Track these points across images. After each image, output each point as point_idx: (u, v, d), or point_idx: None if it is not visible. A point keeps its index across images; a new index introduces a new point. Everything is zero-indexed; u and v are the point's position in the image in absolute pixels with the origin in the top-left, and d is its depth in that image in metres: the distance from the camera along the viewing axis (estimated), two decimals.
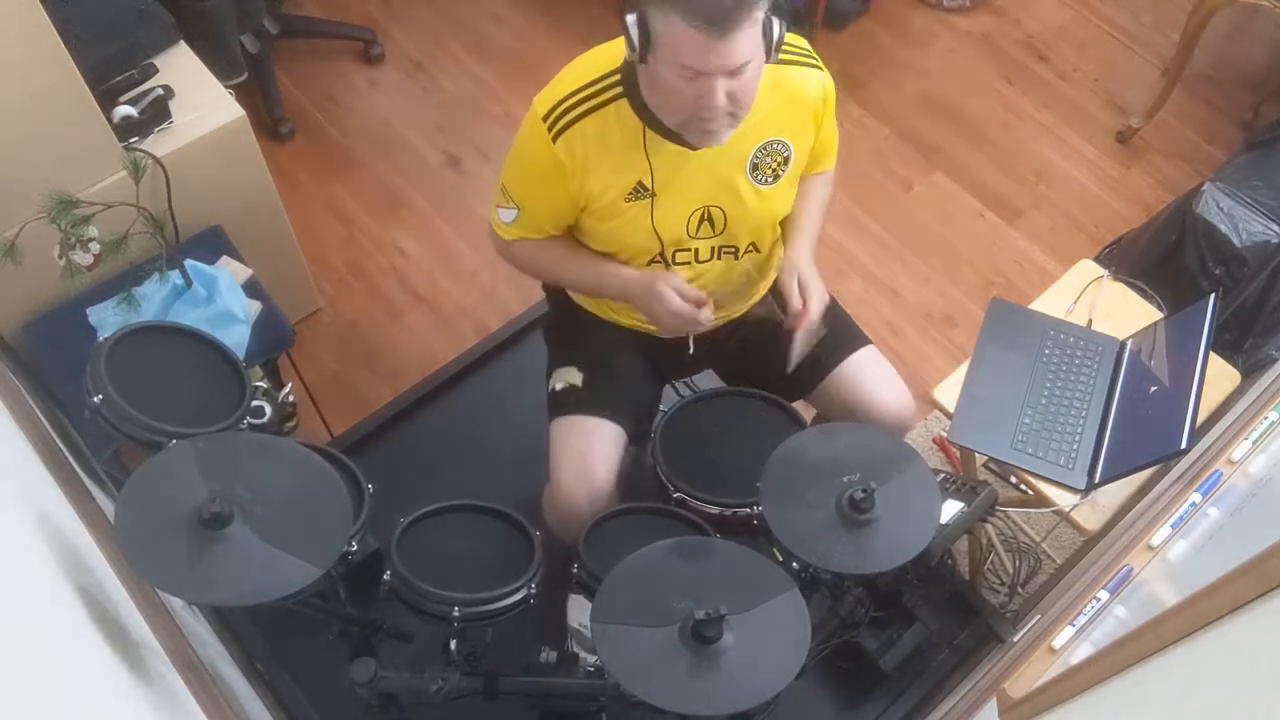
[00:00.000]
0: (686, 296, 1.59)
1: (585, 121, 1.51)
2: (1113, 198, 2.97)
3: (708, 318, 1.60)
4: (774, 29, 1.40)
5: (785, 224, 1.76)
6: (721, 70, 1.36)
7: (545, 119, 1.52)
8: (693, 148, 1.53)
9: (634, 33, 1.38)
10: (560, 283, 1.85)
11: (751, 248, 1.70)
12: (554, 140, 1.51)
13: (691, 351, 1.71)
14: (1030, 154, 3.05)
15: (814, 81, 1.60)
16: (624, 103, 1.51)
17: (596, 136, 1.51)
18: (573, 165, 1.53)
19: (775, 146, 1.59)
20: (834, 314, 1.85)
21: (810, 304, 1.64)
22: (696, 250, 1.66)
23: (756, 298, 1.82)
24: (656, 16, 1.35)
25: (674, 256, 1.66)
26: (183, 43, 2.10)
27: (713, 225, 1.63)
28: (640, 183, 1.56)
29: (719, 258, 1.69)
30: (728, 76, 1.38)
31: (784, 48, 1.53)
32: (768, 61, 1.44)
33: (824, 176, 1.80)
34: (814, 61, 1.61)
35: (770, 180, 1.62)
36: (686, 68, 1.36)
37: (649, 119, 1.50)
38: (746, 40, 1.35)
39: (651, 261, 1.66)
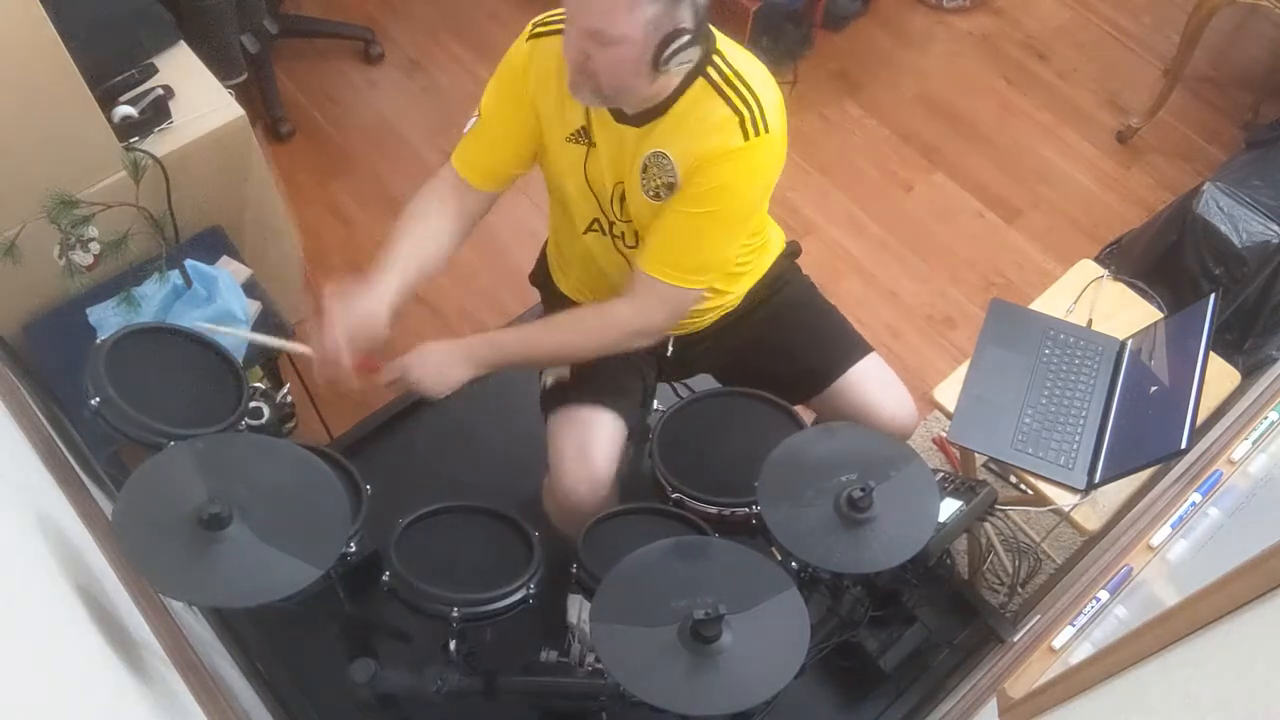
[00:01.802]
0: (338, 341, 1.40)
1: (557, 39, 1.46)
2: (1113, 198, 2.97)
3: (338, 377, 1.44)
4: (675, 35, 1.33)
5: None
6: (576, 19, 1.34)
7: (534, 24, 1.54)
8: (622, 120, 1.49)
9: None
10: (389, 235, 1.61)
11: None
12: (527, 39, 1.53)
13: (669, 353, 1.70)
14: (1030, 154, 3.05)
15: (731, 133, 1.41)
16: None
17: (557, 58, 1.47)
18: (531, 69, 1.53)
19: (662, 161, 1.48)
20: (834, 323, 1.84)
21: (384, 368, 1.48)
22: (624, 234, 1.62)
23: (718, 313, 1.79)
24: None
25: (611, 229, 1.64)
26: (183, 43, 2.09)
27: (623, 209, 1.59)
28: (583, 127, 1.54)
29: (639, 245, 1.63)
30: (588, 38, 1.34)
31: (744, 90, 1.43)
32: (657, 69, 1.37)
33: (605, 313, 1.58)
34: (755, 120, 1.41)
35: (654, 196, 1.52)
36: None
37: None
38: (606, 8, 1.30)
39: (589, 229, 1.63)
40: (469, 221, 1.63)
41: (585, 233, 1.64)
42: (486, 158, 1.61)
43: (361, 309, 1.45)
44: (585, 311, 1.65)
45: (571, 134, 1.55)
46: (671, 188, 1.50)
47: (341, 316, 1.42)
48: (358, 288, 1.46)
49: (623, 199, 1.57)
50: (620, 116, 1.50)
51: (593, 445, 1.68)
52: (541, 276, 1.91)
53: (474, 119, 1.61)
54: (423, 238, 1.58)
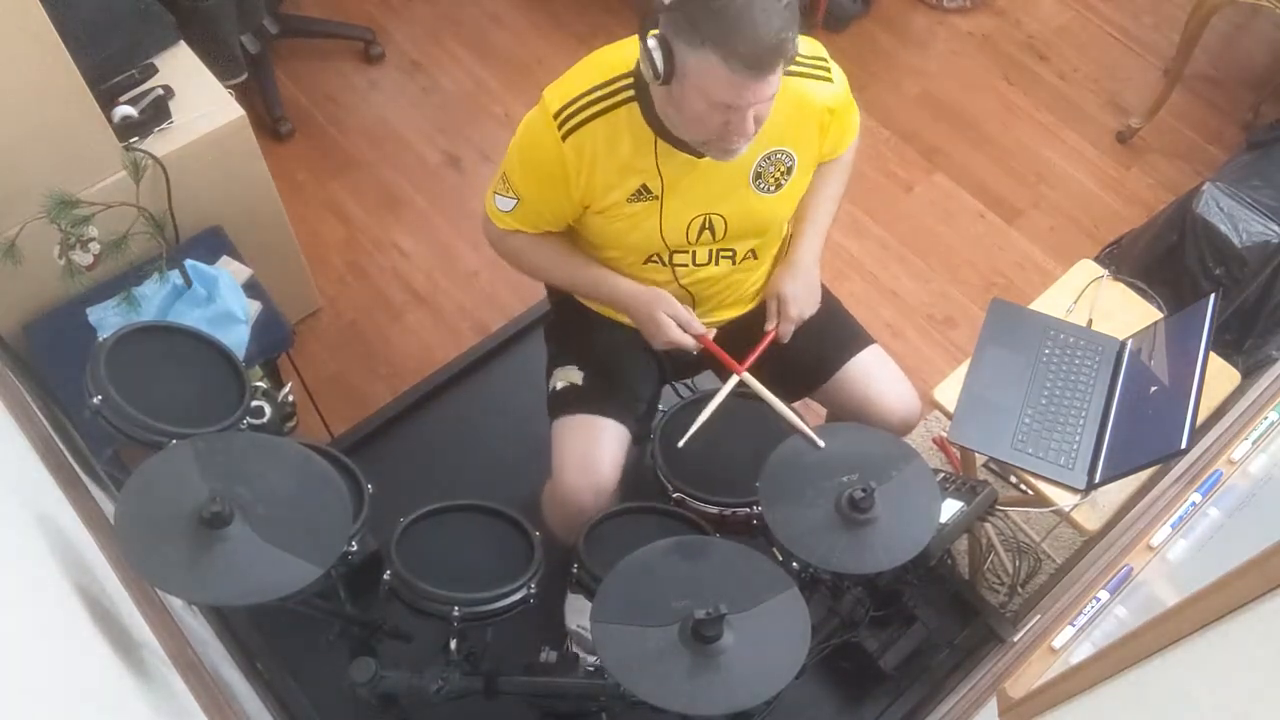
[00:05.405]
0: (687, 327, 1.61)
1: (596, 123, 1.50)
2: (1113, 198, 2.97)
3: (696, 347, 1.63)
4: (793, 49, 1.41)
5: (793, 219, 1.77)
6: (756, 104, 1.38)
7: (556, 116, 1.51)
8: (700, 156, 1.53)
9: (656, 57, 1.36)
10: (552, 282, 1.85)
11: (750, 255, 1.70)
12: (563, 139, 1.51)
13: (696, 353, 1.71)
14: (1030, 154, 3.05)
15: (822, 93, 1.59)
16: (634, 107, 1.51)
17: (606, 138, 1.51)
18: (579, 164, 1.52)
19: (779, 156, 1.59)
20: (836, 314, 1.85)
21: (780, 327, 1.67)
22: (694, 254, 1.66)
23: (754, 302, 1.82)
24: (686, 50, 1.34)
25: (672, 258, 1.66)
26: (183, 43, 2.09)
27: (713, 233, 1.63)
28: (644, 185, 1.56)
29: (716, 263, 1.68)
30: (765, 104, 1.40)
31: (797, 58, 1.51)
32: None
33: (839, 162, 1.78)
34: (824, 73, 1.59)
35: (773, 189, 1.62)
36: (719, 103, 1.37)
37: (660, 128, 1.51)
38: (780, 73, 1.37)
39: (648, 261, 1.66)
40: None
41: (645, 264, 1.68)
42: (535, 222, 1.66)
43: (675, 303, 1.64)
44: (833, 168, 1.77)
45: (632, 195, 1.57)
46: (790, 170, 1.62)
47: (683, 310, 1.63)
48: (655, 290, 1.64)
49: (709, 226, 1.62)
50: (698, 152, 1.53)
51: (597, 453, 1.69)
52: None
53: (511, 199, 1.62)
54: (564, 240, 1.71)
